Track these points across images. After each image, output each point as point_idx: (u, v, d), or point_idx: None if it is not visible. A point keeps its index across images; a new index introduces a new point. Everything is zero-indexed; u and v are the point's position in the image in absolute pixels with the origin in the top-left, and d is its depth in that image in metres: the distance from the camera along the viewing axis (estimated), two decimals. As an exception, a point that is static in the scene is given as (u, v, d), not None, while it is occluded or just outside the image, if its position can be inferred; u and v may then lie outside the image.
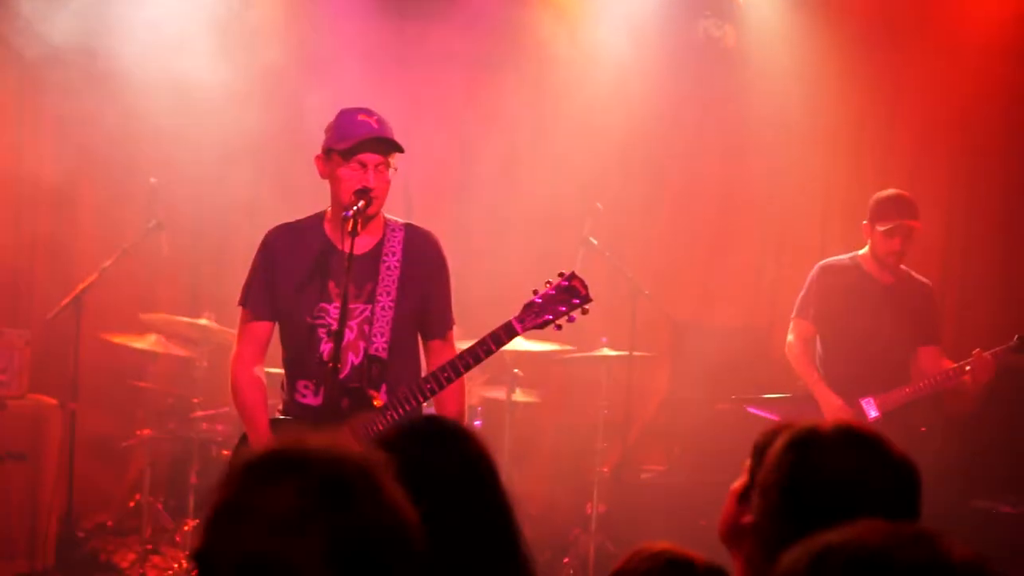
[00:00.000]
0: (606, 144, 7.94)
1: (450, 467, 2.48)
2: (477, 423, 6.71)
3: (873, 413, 6.02)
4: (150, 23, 7.36)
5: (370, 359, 4.39)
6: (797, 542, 1.99)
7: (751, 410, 6.47)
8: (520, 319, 4.26)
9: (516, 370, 6.87)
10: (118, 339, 6.91)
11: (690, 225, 7.99)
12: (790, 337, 6.35)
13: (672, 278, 7.92)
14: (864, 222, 6.23)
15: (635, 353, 6.80)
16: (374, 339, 4.38)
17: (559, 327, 4.34)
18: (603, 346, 7.03)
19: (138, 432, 6.97)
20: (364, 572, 1.60)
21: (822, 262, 6.45)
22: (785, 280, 7.51)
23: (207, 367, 6.92)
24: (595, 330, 7.30)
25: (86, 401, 6.96)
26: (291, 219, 4.67)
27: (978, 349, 5.97)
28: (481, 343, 4.25)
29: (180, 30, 7.38)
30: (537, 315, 4.26)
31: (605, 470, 7.26)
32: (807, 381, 6.23)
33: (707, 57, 7.77)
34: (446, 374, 4.28)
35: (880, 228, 6.11)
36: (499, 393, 6.94)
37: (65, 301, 6.58)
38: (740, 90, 7.81)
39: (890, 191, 6.26)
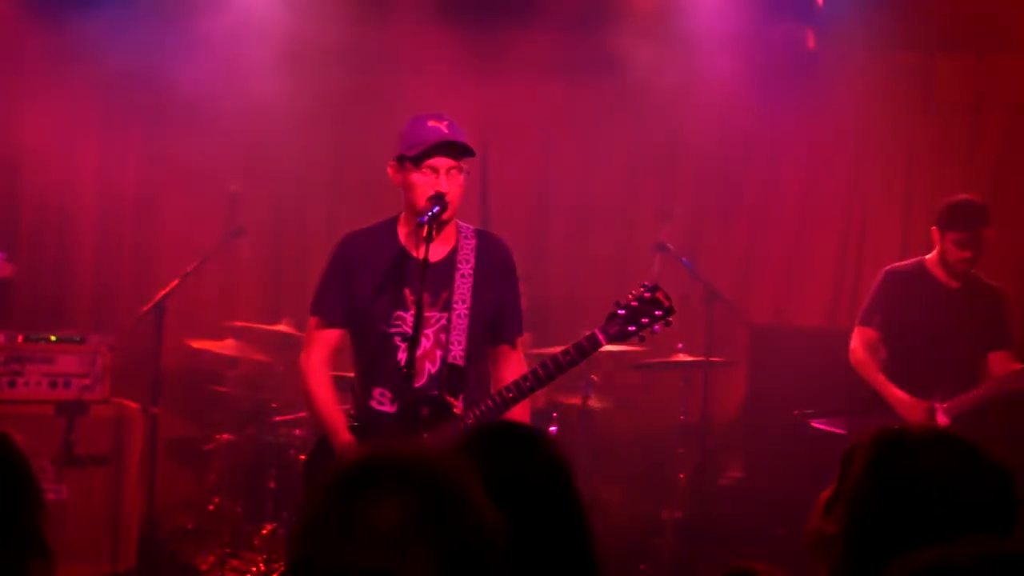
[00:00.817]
0: (683, 148, 7.91)
1: (527, 472, 2.48)
2: (553, 429, 6.70)
3: (940, 420, 5.90)
4: (224, 43, 7.50)
5: (448, 367, 4.38)
6: (884, 551, 1.95)
7: (816, 425, 6.38)
8: (604, 330, 4.24)
9: (592, 376, 6.85)
10: (199, 344, 7.00)
11: (768, 229, 7.92)
12: (853, 344, 6.23)
13: (749, 283, 7.86)
14: (933, 227, 6.12)
15: (712, 359, 6.75)
16: (451, 347, 4.38)
17: (642, 339, 4.33)
18: (679, 352, 6.99)
19: (218, 436, 7.05)
20: None
21: (887, 267, 6.34)
22: (865, 284, 7.38)
23: (285, 372, 6.99)
24: (671, 335, 7.25)
25: (167, 405, 7.06)
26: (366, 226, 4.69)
27: None
28: (564, 352, 4.24)
29: (256, 49, 7.52)
30: (621, 326, 4.24)
31: (682, 476, 7.22)
32: (875, 384, 6.10)
33: (786, 60, 7.69)
34: (528, 383, 4.26)
35: (952, 237, 5.99)
36: (575, 398, 6.92)
37: (147, 307, 6.67)
38: (819, 93, 7.72)
39: (961, 198, 6.12)
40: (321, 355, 4.53)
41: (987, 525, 2.00)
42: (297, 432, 6.80)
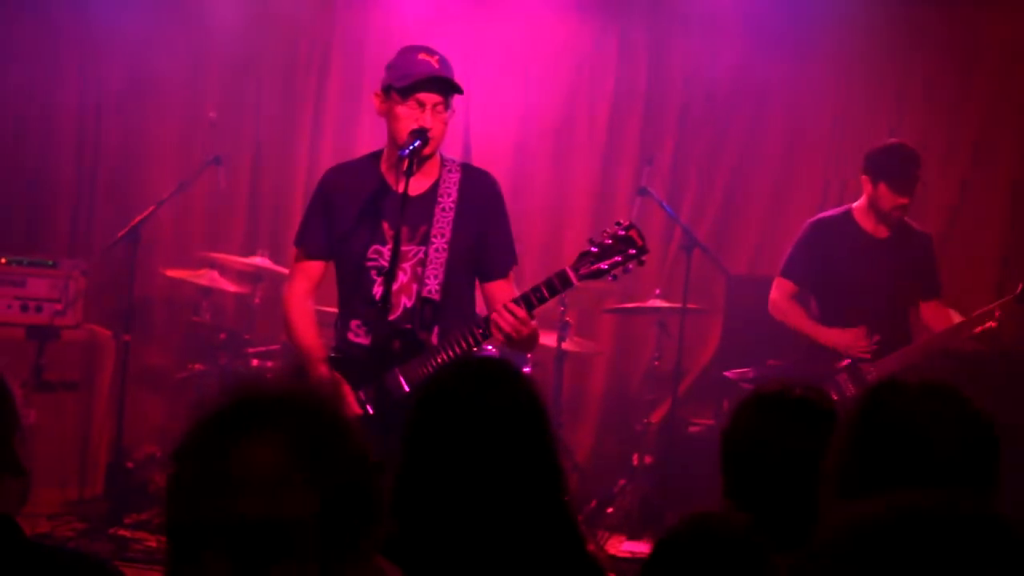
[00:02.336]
0: (667, 93, 7.85)
1: (501, 408, 2.48)
2: (527, 370, 6.69)
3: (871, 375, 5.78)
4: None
5: (423, 301, 4.36)
6: (864, 491, 1.95)
7: (727, 375, 6.37)
8: (575, 268, 4.17)
9: (567, 318, 6.83)
10: (174, 273, 6.96)
11: (748, 177, 7.87)
12: (773, 295, 6.09)
13: (729, 231, 7.84)
14: (862, 175, 5.93)
15: (688, 306, 6.74)
16: (427, 281, 4.36)
17: (615, 277, 4.22)
18: (656, 297, 6.98)
19: (190, 366, 7.02)
20: (348, 514, 1.57)
21: (814, 218, 6.18)
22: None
23: (260, 304, 6.97)
24: (649, 281, 7.27)
25: (140, 333, 7.03)
26: (349, 159, 4.69)
27: (990, 306, 5.69)
28: (534, 290, 4.19)
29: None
30: (592, 264, 4.15)
31: (653, 421, 7.24)
32: (804, 329, 5.96)
33: (774, 8, 7.62)
34: None
35: (887, 184, 5.79)
36: (549, 341, 6.91)
37: (121, 233, 6.61)
38: (807, 42, 7.65)
39: (889, 143, 5.97)
40: (303, 287, 4.54)
41: (966, 476, 2.00)
42: (270, 364, 6.78)
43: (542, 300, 4.19)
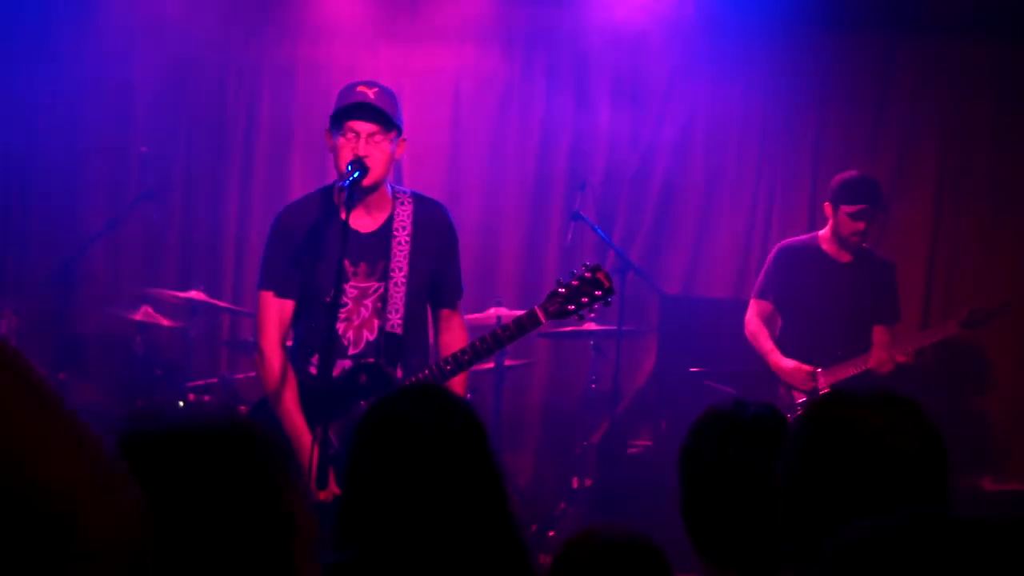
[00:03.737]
0: (595, 118, 7.90)
1: (445, 434, 2.51)
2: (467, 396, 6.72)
3: (821, 385, 6.12)
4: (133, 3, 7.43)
5: (386, 336, 4.40)
6: (819, 509, 1.97)
7: (708, 383, 6.55)
8: (544, 307, 4.35)
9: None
10: (111, 310, 6.92)
11: (677, 198, 7.94)
12: (747, 316, 6.44)
13: (660, 252, 7.90)
14: (826, 203, 6.27)
15: (623, 327, 6.81)
16: (389, 316, 4.40)
17: (581, 317, 4.44)
18: (591, 320, 7.02)
19: (127, 402, 6.97)
20: None
21: (780, 243, 6.52)
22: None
23: (196, 338, 6.94)
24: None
25: (75, 371, 6.96)
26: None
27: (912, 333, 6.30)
28: (504, 328, 4.33)
29: (171, 7, 7.47)
30: (560, 304, 4.34)
31: (593, 442, 7.29)
32: (762, 352, 6.30)
33: (697, 32, 7.74)
34: (466, 356, 4.33)
35: (846, 211, 6.13)
36: (486, 365, 6.94)
37: (54, 271, 6.56)
38: (728, 64, 7.77)
39: (855, 174, 6.29)
40: (279, 335, 4.44)
41: (922, 487, 1.99)
42: (207, 398, 6.75)
43: (511, 338, 4.36)
